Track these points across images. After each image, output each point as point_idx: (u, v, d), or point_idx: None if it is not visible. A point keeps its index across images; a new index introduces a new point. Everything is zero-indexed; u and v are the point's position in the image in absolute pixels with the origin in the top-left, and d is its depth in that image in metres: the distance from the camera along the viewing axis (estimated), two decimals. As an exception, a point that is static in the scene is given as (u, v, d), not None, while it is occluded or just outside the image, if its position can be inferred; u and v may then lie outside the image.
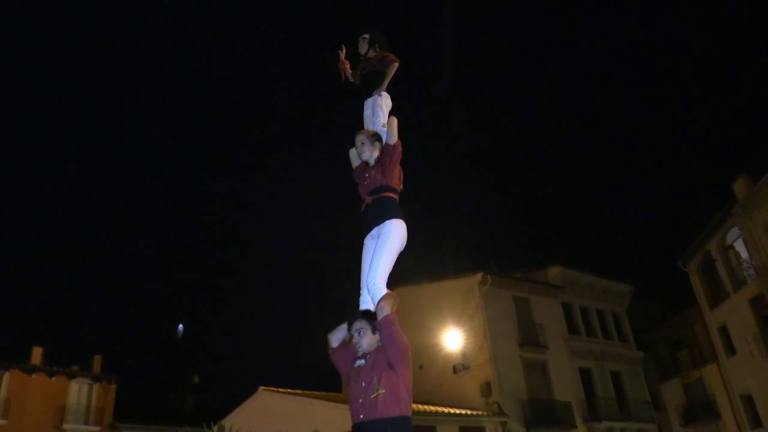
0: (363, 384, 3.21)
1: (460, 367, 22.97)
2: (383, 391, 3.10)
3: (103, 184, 70.58)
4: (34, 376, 25.95)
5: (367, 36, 5.03)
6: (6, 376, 25.25)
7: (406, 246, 3.88)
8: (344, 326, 3.53)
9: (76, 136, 68.33)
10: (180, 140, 72.25)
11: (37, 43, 65.91)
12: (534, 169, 70.80)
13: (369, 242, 3.92)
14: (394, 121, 4.20)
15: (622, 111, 68.66)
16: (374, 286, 3.59)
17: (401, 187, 4.19)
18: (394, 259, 3.81)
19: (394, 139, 4.10)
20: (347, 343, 3.51)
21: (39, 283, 64.04)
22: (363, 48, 5.03)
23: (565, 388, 23.82)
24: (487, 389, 21.68)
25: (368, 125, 4.55)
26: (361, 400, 3.18)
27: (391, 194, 4.00)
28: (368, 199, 4.02)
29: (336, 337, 3.60)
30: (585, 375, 25.16)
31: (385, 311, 3.31)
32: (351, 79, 5.09)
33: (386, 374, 3.14)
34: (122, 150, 70.77)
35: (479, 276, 23.39)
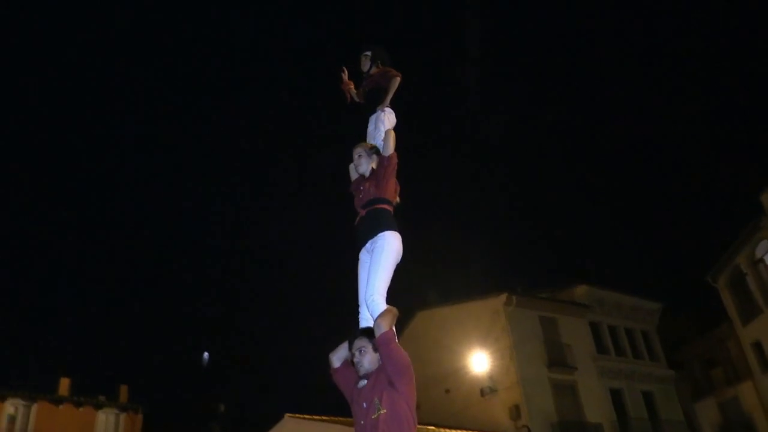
0: (364, 405, 3.09)
1: (488, 390, 22.61)
2: (385, 411, 2.97)
3: (129, 215, 71.55)
4: (61, 407, 26.09)
5: (369, 53, 5.01)
6: (34, 407, 25.42)
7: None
8: (345, 345, 3.40)
9: (105, 162, 69.53)
10: (214, 166, 73.20)
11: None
12: (557, 186, 70.31)
13: (364, 257, 3.82)
14: (391, 133, 4.16)
15: (648, 124, 68.13)
16: (373, 302, 3.47)
17: (397, 199, 4.11)
18: (392, 273, 3.69)
19: (389, 151, 4.04)
20: (349, 363, 3.37)
21: (65, 314, 64.79)
22: (365, 65, 5.01)
23: (596, 409, 23.28)
24: (515, 412, 21.30)
25: (370, 141, 4.48)
26: (362, 422, 3.07)
27: (385, 206, 3.90)
28: (362, 212, 3.94)
29: (337, 357, 3.48)
30: (616, 395, 24.61)
31: (382, 328, 3.18)
32: (357, 99, 5.05)
33: (387, 393, 3.01)
34: (155, 183, 71.80)
35: (504, 297, 23.13)
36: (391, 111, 4.66)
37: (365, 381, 3.18)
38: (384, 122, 4.53)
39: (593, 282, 26.88)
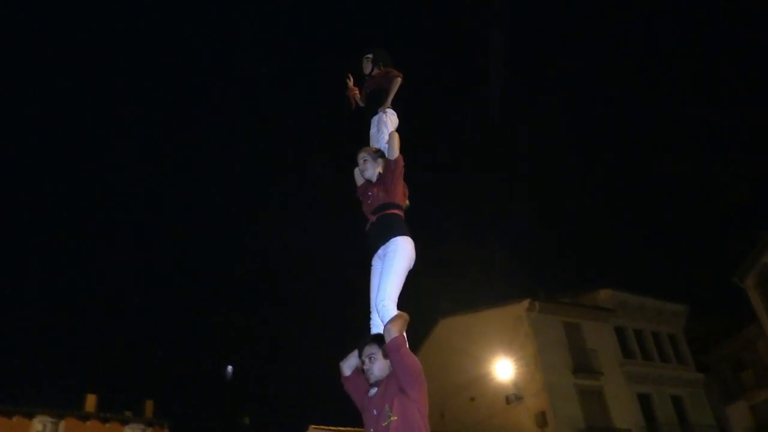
0: (375, 412, 2.99)
1: (513, 397, 22.38)
2: (395, 418, 2.85)
3: (154, 232, 72.27)
4: (88, 423, 26.31)
5: (370, 55, 4.96)
6: (62, 424, 25.67)
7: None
8: (356, 353, 3.31)
9: (125, 181, 70.37)
10: (235, 178, 73.75)
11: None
12: (577, 189, 69.73)
13: (376, 263, 3.73)
14: (395, 135, 4.08)
15: (670, 124, 67.43)
16: (383, 307, 3.36)
17: (407, 203, 4.02)
18: (404, 279, 3.58)
19: (395, 153, 3.95)
20: (360, 371, 3.27)
21: (91, 331, 65.46)
22: (367, 68, 4.95)
23: (624, 415, 22.91)
24: (542, 419, 21.04)
25: (374, 144, 4.40)
26: (373, 430, 2.97)
27: (396, 211, 3.81)
28: (372, 218, 3.84)
29: (348, 365, 3.39)
30: (644, 401, 24.21)
31: (392, 334, 3.06)
32: (361, 104, 4.98)
33: (398, 400, 2.90)
34: (181, 198, 72.54)
35: (526, 303, 22.92)
36: (393, 112, 4.58)
37: (376, 389, 3.10)
38: (386, 124, 4.44)
39: (616, 285, 26.55)
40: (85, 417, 26.47)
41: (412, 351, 3.12)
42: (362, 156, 4.08)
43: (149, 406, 29.15)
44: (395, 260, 3.55)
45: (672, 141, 64.84)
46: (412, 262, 3.69)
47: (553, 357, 22.33)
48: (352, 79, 5.11)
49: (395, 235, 3.66)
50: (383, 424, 2.89)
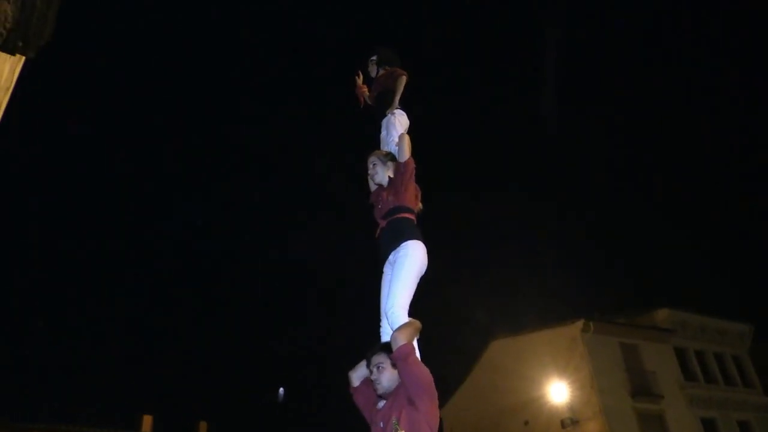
0: (381, 424, 2.85)
1: (569, 421, 21.73)
2: (403, 431, 2.71)
3: (204, 258, 73.88)
4: (144, 443, 26.79)
5: (374, 57, 4.90)
6: (119, 444, 26.20)
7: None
8: (365, 362, 3.17)
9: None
10: (279, 205, 74.98)
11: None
12: (631, 203, 67.99)
13: (387, 269, 3.59)
14: (405, 137, 3.96)
15: (730, 137, 65.37)
16: (393, 315, 3.22)
17: (420, 206, 3.86)
18: (415, 285, 3.43)
19: (406, 156, 3.83)
20: (369, 381, 3.11)
21: (147, 352, 67.01)
22: (373, 70, 4.90)
23: (687, 441, 22.00)
24: (600, 444, 20.37)
25: (384, 147, 4.30)
26: None
27: (406, 215, 3.66)
28: (382, 223, 3.72)
29: (357, 375, 3.25)
30: (708, 426, 23.13)
31: (399, 342, 2.91)
32: (370, 103, 4.90)
33: (406, 412, 2.75)
34: (228, 225, 74.13)
35: (580, 324, 22.33)
36: (402, 113, 4.46)
37: (384, 402, 2.95)
38: (395, 126, 4.33)
39: (675, 304, 25.64)
40: (141, 437, 26.96)
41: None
42: (371, 160, 3.96)
43: (203, 427, 29.51)
44: (405, 265, 3.41)
45: (733, 152, 62.71)
46: (424, 268, 3.54)
47: (610, 379, 21.64)
48: (361, 77, 5.03)
49: (406, 240, 3.52)
50: None
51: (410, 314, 3.23)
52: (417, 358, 2.94)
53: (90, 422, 25.86)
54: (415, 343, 3.08)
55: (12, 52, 4.60)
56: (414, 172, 3.83)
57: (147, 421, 27.80)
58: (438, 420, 2.82)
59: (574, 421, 21.53)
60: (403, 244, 3.51)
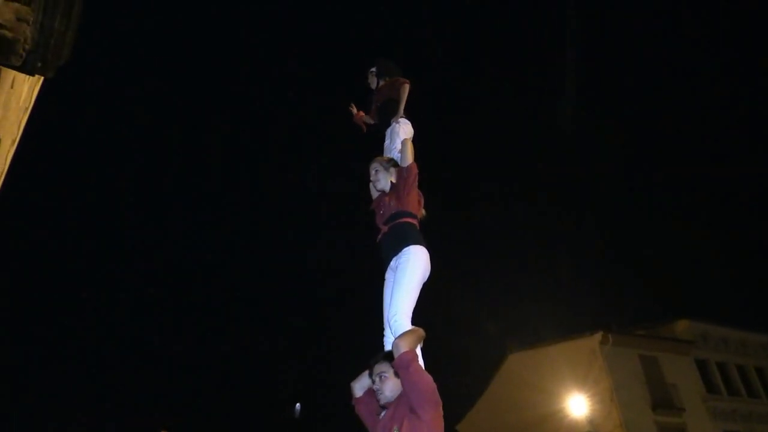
0: None
1: (589, 435, 21.48)
2: None
3: (225, 276, 74.20)
4: (163, 458, 26.88)
5: (374, 69, 4.89)
6: (138, 460, 26.29)
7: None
8: (367, 372, 3.09)
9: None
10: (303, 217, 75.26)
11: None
12: (648, 212, 67.32)
13: (389, 275, 3.52)
14: (408, 143, 3.93)
15: (753, 143, 64.66)
16: (396, 322, 3.13)
17: (423, 212, 3.81)
18: (418, 291, 3.34)
19: (408, 161, 3.77)
20: (372, 392, 3.03)
21: (165, 368, 67.27)
22: (373, 82, 4.88)
23: (711, 454, 21.62)
24: (621, 459, 20.07)
25: (387, 155, 4.25)
26: None
27: (409, 219, 3.59)
28: (384, 228, 3.64)
29: (360, 385, 3.16)
30: (732, 440, 22.77)
31: (401, 349, 2.82)
32: (372, 122, 4.88)
33: (408, 421, 2.66)
34: (248, 240, 74.50)
35: (599, 336, 22.09)
36: (407, 121, 4.44)
37: (386, 411, 2.86)
38: (399, 134, 4.29)
39: (696, 316, 25.31)
40: (159, 453, 27.07)
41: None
42: (374, 167, 3.91)
43: (220, 442, 29.56)
44: (407, 271, 3.32)
45: (758, 160, 61.93)
46: (427, 273, 3.46)
47: (630, 392, 21.35)
48: (354, 108, 5.04)
49: (408, 245, 3.44)
50: None
51: (420, 323, 3.17)
52: (420, 366, 2.86)
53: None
54: (418, 351, 3.02)
55: (31, 73, 4.69)
56: (417, 177, 3.77)
57: (165, 436, 27.95)
58: (442, 429, 2.74)
59: (595, 435, 21.27)
60: (405, 249, 3.43)
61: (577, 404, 21.97)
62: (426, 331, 3.17)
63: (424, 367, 2.96)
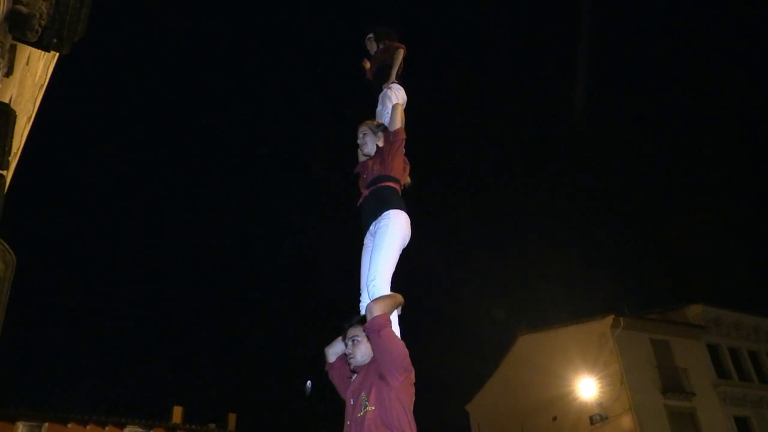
0: (351, 401, 2.66)
1: (598, 417, 21.49)
2: (372, 408, 2.51)
3: (242, 259, 74.69)
4: (175, 433, 27.22)
5: (371, 35, 4.83)
6: (150, 434, 26.68)
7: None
8: (341, 337, 3.00)
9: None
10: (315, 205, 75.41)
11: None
12: (662, 194, 66.72)
13: (368, 240, 3.42)
14: (399, 107, 3.85)
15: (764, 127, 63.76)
16: (374, 287, 3.04)
17: (408, 180, 3.69)
18: (397, 256, 3.24)
19: (396, 125, 3.68)
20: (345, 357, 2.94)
21: (179, 345, 68.05)
22: (372, 48, 4.83)
23: (720, 439, 21.58)
24: (629, 441, 20.11)
25: (378, 120, 4.13)
26: (348, 422, 2.62)
27: (391, 183, 3.48)
28: (365, 192, 3.54)
29: (333, 351, 3.07)
30: (742, 425, 22.64)
31: (373, 313, 2.71)
32: (371, 79, 4.80)
33: (377, 388, 2.55)
34: (262, 222, 74.80)
35: (610, 319, 22.03)
36: (399, 87, 4.33)
37: (356, 375, 2.78)
38: (390, 98, 4.19)
39: (708, 300, 25.14)
40: (172, 428, 27.40)
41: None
42: (362, 130, 3.80)
43: (232, 418, 29.92)
44: (387, 236, 3.22)
45: None
46: (407, 239, 3.37)
47: (641, 376, 21.31)
48: (368, 63, 4.94)
49: (388, 209, 3.34)
50: (358, 415, 2.56)
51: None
52: (392, 331, 2.75)
53: (122, 413, 26.44)
54: (394, 318, 2.93)
55: (47, 49, 4.68)
56: (404, 143, 3.68)
57: (177, 411, 28.30)
58: (412, 397, 2.62)
59: (603, 418, 21.30)
60: (385, 213, 3.33)
61: (587, 387, 22.00)
62: (404, 297, 3.06)
63: (399, 335, 2.87)
